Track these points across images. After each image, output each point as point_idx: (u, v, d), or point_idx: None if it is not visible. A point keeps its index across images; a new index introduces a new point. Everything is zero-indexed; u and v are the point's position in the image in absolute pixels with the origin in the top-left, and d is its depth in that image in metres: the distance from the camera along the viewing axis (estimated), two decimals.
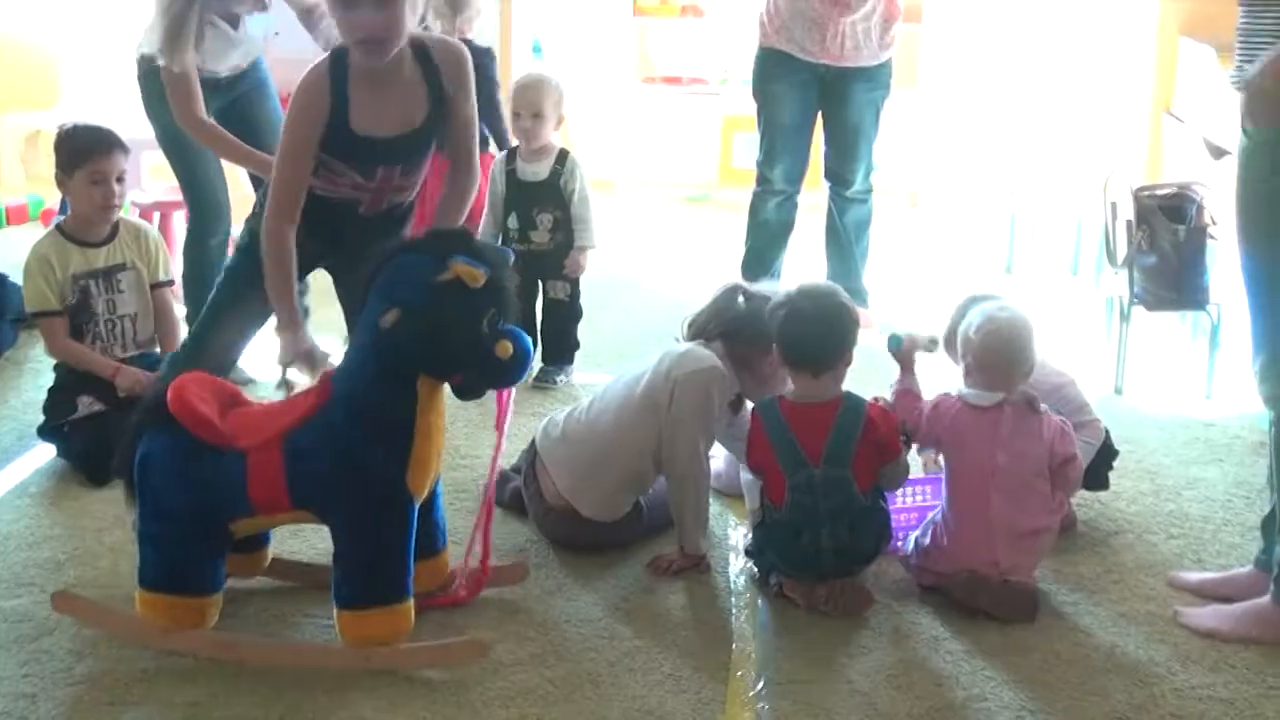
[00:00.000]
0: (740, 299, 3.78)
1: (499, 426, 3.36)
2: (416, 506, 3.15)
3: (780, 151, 5.72)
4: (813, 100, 5.66)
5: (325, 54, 3.47)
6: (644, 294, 6.35)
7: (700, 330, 3.78)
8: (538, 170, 5.02)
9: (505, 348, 3.06)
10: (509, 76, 7.21)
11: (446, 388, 3.17)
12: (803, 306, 3.49)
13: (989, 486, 3.41)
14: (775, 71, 5.64)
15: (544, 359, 5.12)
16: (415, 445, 3.10)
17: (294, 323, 3.53)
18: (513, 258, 3.26)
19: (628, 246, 7.22)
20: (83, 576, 3.55)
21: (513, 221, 5.06)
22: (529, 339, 3.18)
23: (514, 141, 5.22)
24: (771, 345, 3.57)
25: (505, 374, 3.15)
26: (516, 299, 3.18)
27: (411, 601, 3.15)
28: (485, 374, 3.14)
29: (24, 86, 9.32)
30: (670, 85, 9.13)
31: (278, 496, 3.10)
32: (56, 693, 3.02)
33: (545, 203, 5.01)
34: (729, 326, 3.73)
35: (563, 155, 5.03)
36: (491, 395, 3.33)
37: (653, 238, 7.72)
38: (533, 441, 3.87)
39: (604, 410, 3.75)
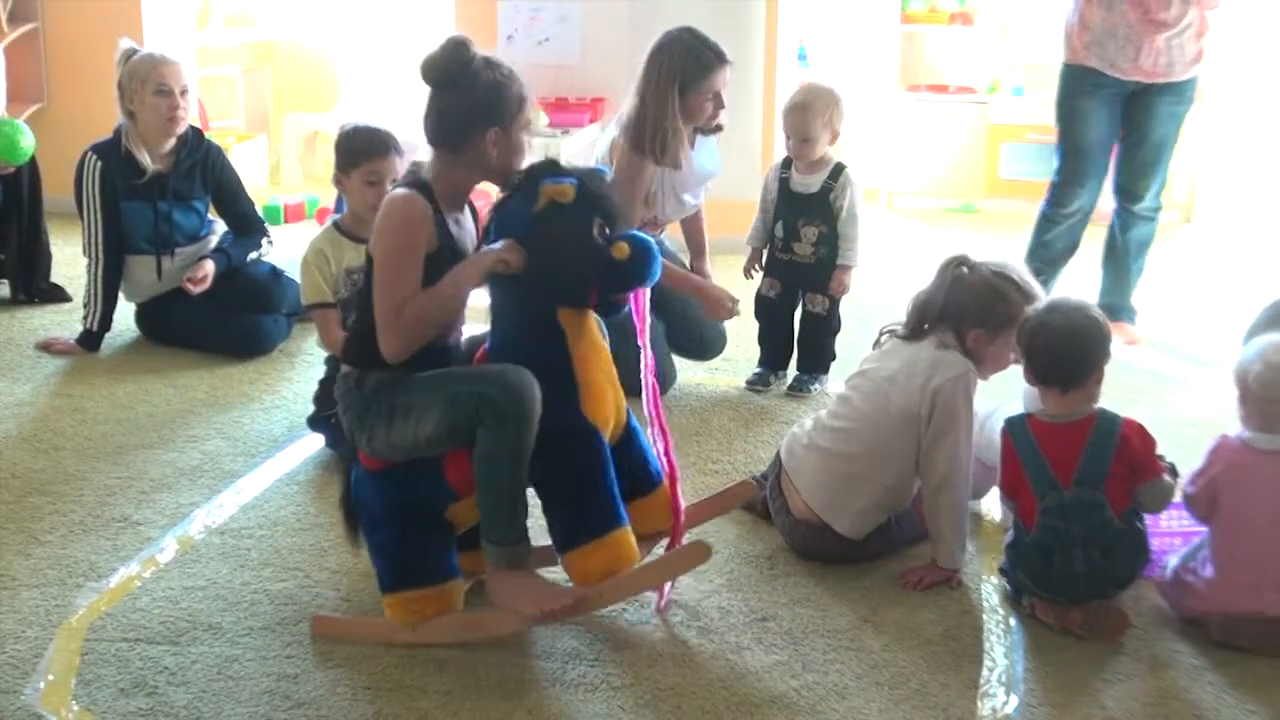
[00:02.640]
0: (964, 269, 3.67)
1: (640, 334, 3.34)
2: (604, 437, 3.19)
3: (1083, 172, 5.60)
4: (1117, 117, 5.52)
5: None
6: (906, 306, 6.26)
7: (923, 312, 3.68)
8: (810, 183, 4.98)
9: (621, 248, 3.12)
10: (773, 84, 7.21)
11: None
12: (1053, 321, 3.37)
13: (1275, 533, 3.25)
14: (1083, 89, 5.52)
15: (799, 367, 5.11)
16: (579, 378, 3.16)
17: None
18: (607, 173, 3.26)
19: (890, 257, 7.14)
20: (344, 564, 3.66)
21: (779, 230, 5.04)
22: (648, 238, 3.20)
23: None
24: (991, 323, 3.51)
25: (631, 274, 3.17)
26: (619, 207, 3.21)
27: (627, 528, 3.18)
28: (613, 280, 3.17)
29: (304, 90, 9.69)
30: (936, 94, 9.00)
31: (470, 472, 3.16)
32: (317, 675, 3.12)
33: (812, 215, 4.97)
34: (954, 305, 3.62)
35: (837, 170, 4.98)
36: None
37: (915, 248, 7.61)
38: (777, 454, 3.85)
39: (855, 427, 3.68)
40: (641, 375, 3.37)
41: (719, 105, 4.85)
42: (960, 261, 3.69)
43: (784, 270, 5.03)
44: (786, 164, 5.05)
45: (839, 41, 9.24)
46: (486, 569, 3.21)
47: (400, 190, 3.21)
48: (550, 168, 3.20)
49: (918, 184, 8.93)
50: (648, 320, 3.34)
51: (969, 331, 3.60)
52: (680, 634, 3.27)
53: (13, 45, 7.44)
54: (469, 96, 3.19)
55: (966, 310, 3.61)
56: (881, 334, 3.81)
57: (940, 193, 8.90)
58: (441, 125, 3.23)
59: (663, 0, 7.06)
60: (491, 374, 3.10)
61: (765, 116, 7.19)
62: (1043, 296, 3.61)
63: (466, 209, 3.36)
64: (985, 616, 3.43)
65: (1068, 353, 3.35)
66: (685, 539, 3.40)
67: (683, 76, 4.81)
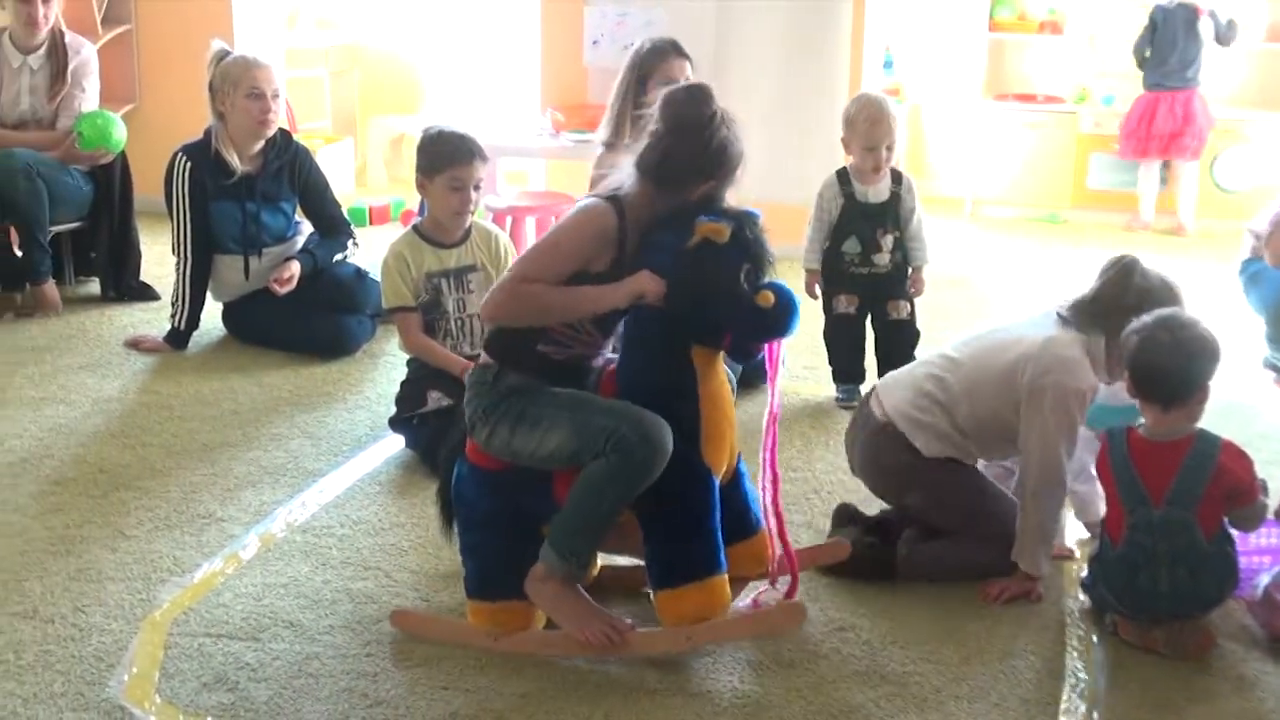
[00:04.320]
0: (1137, 278, 3.57)
1: (770, 381, 3.31)
2: (717, 481, 3.18)
3: None
4: None
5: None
6: (989, 316, 6.21)
7: (1085, 311, 3.61)
8: (879, 191, 4.94)
9: (766, 297, 3.09)
10: (858, 88, 7.17)
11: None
12: (1160, 337, 3.29)
13: None
14: None
15: (880, 377, 5.06)
16: (703, 417, 3.14)
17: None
18: (760, 216, 3.21)
19: (974, 266, 7.09)
20: (423, 565, 3.68)
21: (853, 245, 4.96)
22: (791, 290, 3.16)
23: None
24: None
25: (772, 324, 3.14)
26: (771, 254, 3.17)
27: (725, 575, 3.17)
28: (752, 328, 3.15)
29: (389, 93, 9.77)
30: (1023, 103, 8.92)
31: None
32: (395, 674, 3.14)
33: (888, 224, 4.94)
34: (1116, 309, 3.52)
35: (897, 175, 4.95)
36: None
37: (999, 258, 7.55)
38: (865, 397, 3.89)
39: (961, 359, 3.70)
40: (764, 424, 3.34)
41: None
42: (1131, 262, 3.62)
43: (863, 284, 4.97)
44: (844, 179, 4.98)
45: (925, 49, 9.19)
46: (537, 570, 3.20)
47: (603, 204, 3.20)
48: (707, 205, 3.17)
49: (1003, 193, 8.86)
50: (780, 369, 3.30)
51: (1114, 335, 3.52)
52: (758, 642, 3.26)
53: (107, 46, 7.55)
54: (700, 148, 3.16)
55: (1127, 309, 3.49)
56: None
57: (1025, 202, 8.83)
58: (663, 164, 3.17)
59: (748, 7, 7.07)
60: (631, 415, 3.07)
61: None
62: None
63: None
64: (1067, 632, 3.39)
65: (1173, 371, 3.27)
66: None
67: (641, 66, 4.87)
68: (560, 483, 3.16)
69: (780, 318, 3.12)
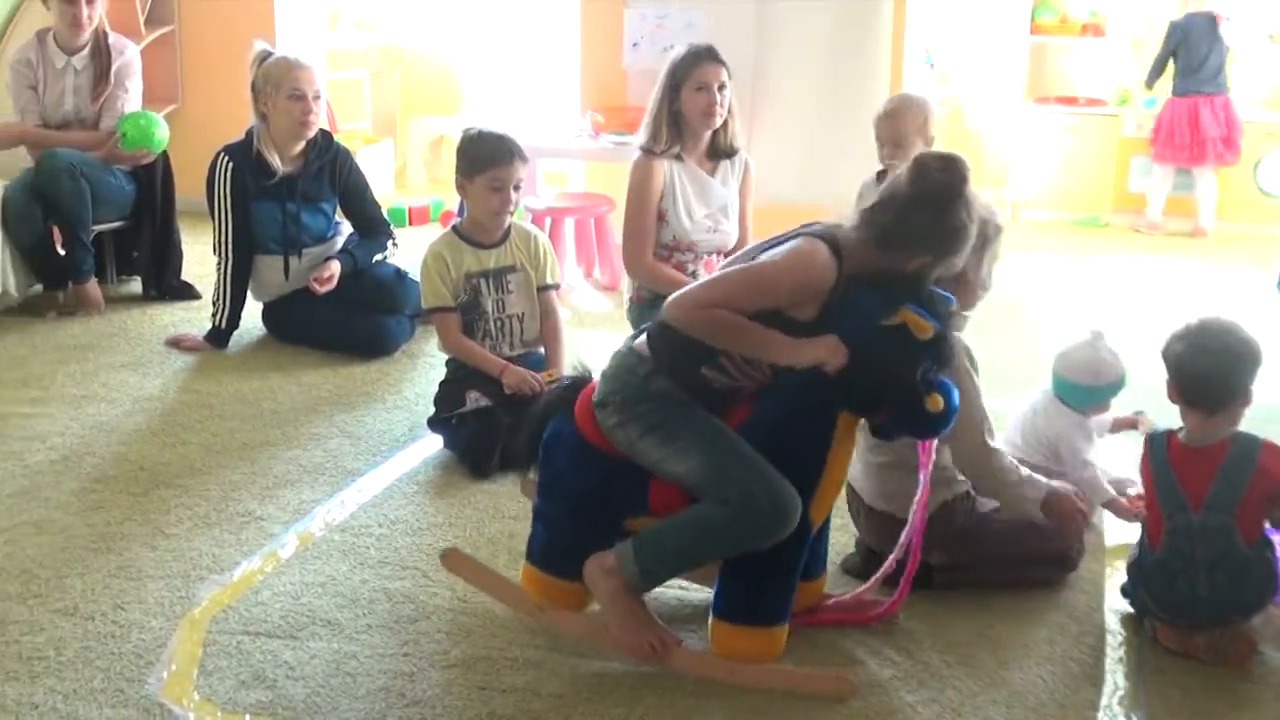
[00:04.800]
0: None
1: (923, 468, 3.28)
2: (812, 535, 3.15)
3: None
4: None
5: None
6: (1028, 319, 6.20)
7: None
8: None
9: (936, 401, 3.02)
10: (899, 89, 7.15)
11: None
12: (1205, 343, 3.25)
13: None
14: None
15: None
16: (824, 478, 3.10)
17: None
18: (953, 304, 3.13)
19: (1013, 269, 7.05)
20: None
21: None
22: (957, 397, 3.09)
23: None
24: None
25: (929, 427, 3.10)
26: (956, 355, 3.11)
27: (786, 627, 3.16)
28: (909, 421, 3.10)
29: (429, 95, 9.80)
30: (1065, 105, 8.88)
31: (677, 506, 3.13)
32: (432, 674, 3.15)
33: None
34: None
35: None
36: None
37: (1040, 261, 7.52)
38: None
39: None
40: (913, 514, 3.32)
41: (710, 99, 4.79)
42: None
43: None
44: (882, 179, 4.96)
45: (966, 51, 9.16)
46: (607, 561, 3.16)
47: (827, 254, 3.04)
48: (917, 291, 3.05)
49: (1044, 196, 8.82)
50: (932, 459, 3.28)
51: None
52: (797, 644, 3.25)
53: (150, 47, 7.60)
54: (939, 224, 3.05)
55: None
56: None
57: (1067, 205, 8.79)
58: (897, 225, 3.04)
59: (788, 8, 7.06)
60: (769, 478, 3.00)
61: None
62: None
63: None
64: (1106, 637, 3.37)
65: (1219, 378, 3.24)
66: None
67: (675, 72, 4.82)
68: (658, 488, 3.14)
69: (939, 423, 3.08)
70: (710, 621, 3.19)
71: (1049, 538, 3.54)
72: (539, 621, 3.25)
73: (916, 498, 3.30)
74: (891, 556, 3.35)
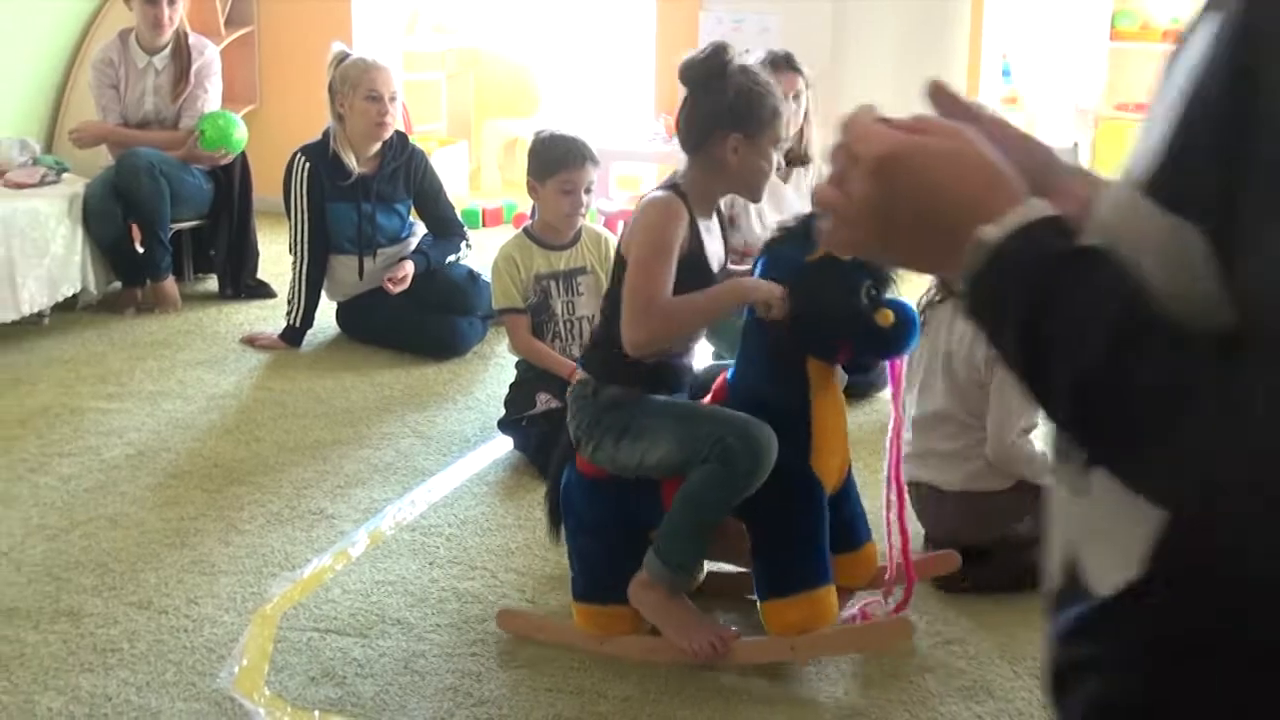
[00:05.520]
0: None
1: (894, 397, 3.30)
2: (826, 493, 3.16)
3: None
4: None
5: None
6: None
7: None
8: None
9: (885, 315, 3.05)
10: (975, 96, 7.11)
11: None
12: None
13: None
14: None
15: None
16: (814, 430, 3.12)
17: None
18: None
19: None
20: (530, 566, 3.70)
21: None
22: (911, 307, 3.14)
23: None
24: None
25: (890, 342, 3.12)
26: (893, 272, 3.12)
27: (832, 587, 3.16)
28: (870, 344, 3.14)
29: (504, 97, 9.83)
30: (1145, 114, 8.78)
31: None
32: (500, 674, 3.16)
33: None
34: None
35: None
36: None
37: None
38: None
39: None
40: (888, 440, 3.32)
41: (785, 109, 4.75)
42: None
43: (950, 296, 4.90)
44: None
45: (1045, 57, 9.07)
46: (641, 578, 3.19)
47: (659, 192, 3.21)
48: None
49: None
50: (903, 385, 3.29)
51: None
52: (864, 653, 3.23)
53: (230, 48, 7.68)
54: (718, 99, 3.15)
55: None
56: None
57: None
58: (689, 127, 3.22)
59: (864, 12, 7.04)
60: (736, 421, 3.06)
61: None
62: None
63: (715, 217, 3.33)
64: None
65: None
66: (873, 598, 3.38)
67: None
68: (668, 490, 3.16)
69: (898, 336, 3.09)
70: (759, 607, 3.19)
71: None
72: (603, 653, 3.25)
73: (889, 429, 3.30)
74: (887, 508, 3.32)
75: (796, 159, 4.94)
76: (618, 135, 7.43)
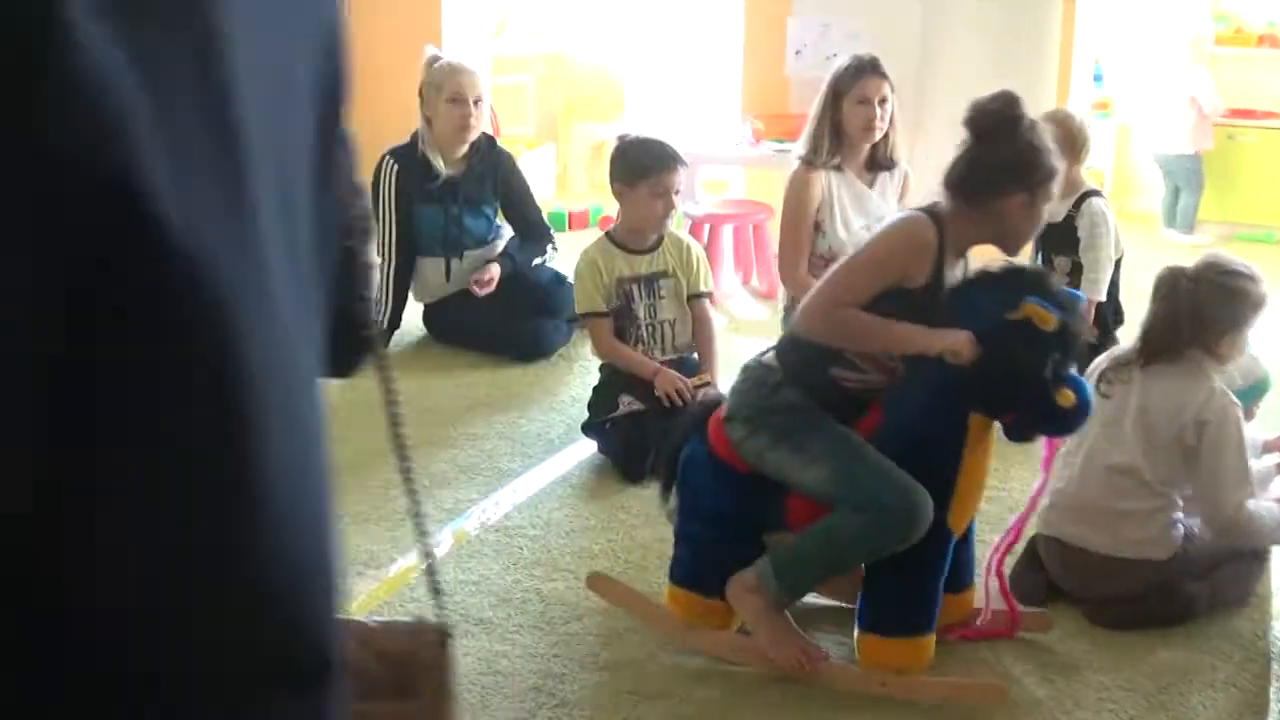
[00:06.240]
0: (1186, 282, 3.42)
1: (1045, 467, 3.25)
2: (954, 542, 3.12)
3: None
4: None
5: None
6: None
7: (1159, 336, 3.47)
8: (1056, 211, 4.67)
9: (1067, 396, 2.96)
10: (1066, 102, 7.04)
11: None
12: None
13: None
14: None
15: None
16: (959, 482, 3.06)
17: None
18: (1082, 300, 3.11)
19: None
20: (611, 568, 3.70)
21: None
22: (1090, 391, 3.04)
23: None
24: (1239, 323, 3.37)
25: (1063, 422, 3.05)
26: (1083, 349, 3.06)
27: (934, 636, 3.12)
28: (1041, 420, 3.06)
29: (591, 101, 9.86)
30: (1240, 118, 8.66)
31: (815, 518, 3.11)
32: (582, 676, 3.17)
33: (1061, 246, 4.78)
34: (1196, 319, 3.41)
35: (1081, 197, 4.79)
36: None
37: None
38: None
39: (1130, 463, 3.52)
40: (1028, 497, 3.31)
41: (871, 114, 4.74)
42: (1178, 275, 3.46)
43: None
44: None
45: (1137, 62, 8.97)
46: (748, 579, 3.16)
47: (919, 214, 3.11)
48: (1039, 284, 3.03)
49: (1217, 210, 8.61)
50: (1054, 465, 3.21)
51: (1219, 340, 3.42)
52: (951, 660, 3.21)
53: None
54: (1010, 156, 3.05)
55: (1211, 320, 3.40)
56: (1103, 373, 3.55)
57: (1242, 219, 8.56)
58: (972, 174, 3.07)
59: (954, 17, 6.98)
60: (901, 483, 2.98)
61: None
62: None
63: (962, 263, 3.20)
64: (1271, 665, 3.27)
65: None
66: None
67: (838, 84, 4.77)
68: (795, 502, 3.13)
69: (1072, 420, 3.03)
70: (856, 635, 3.16)
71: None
72: (687, 643, 3.24)
73: (1034, 486, 3.26)
74: (992, 551, 3.30)
75: (882, 164, 4.92)
76: (704, 138, 7.43)
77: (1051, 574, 3.57)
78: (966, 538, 3.26)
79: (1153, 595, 3.40)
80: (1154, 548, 3.41)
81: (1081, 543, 3.47)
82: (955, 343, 2.95)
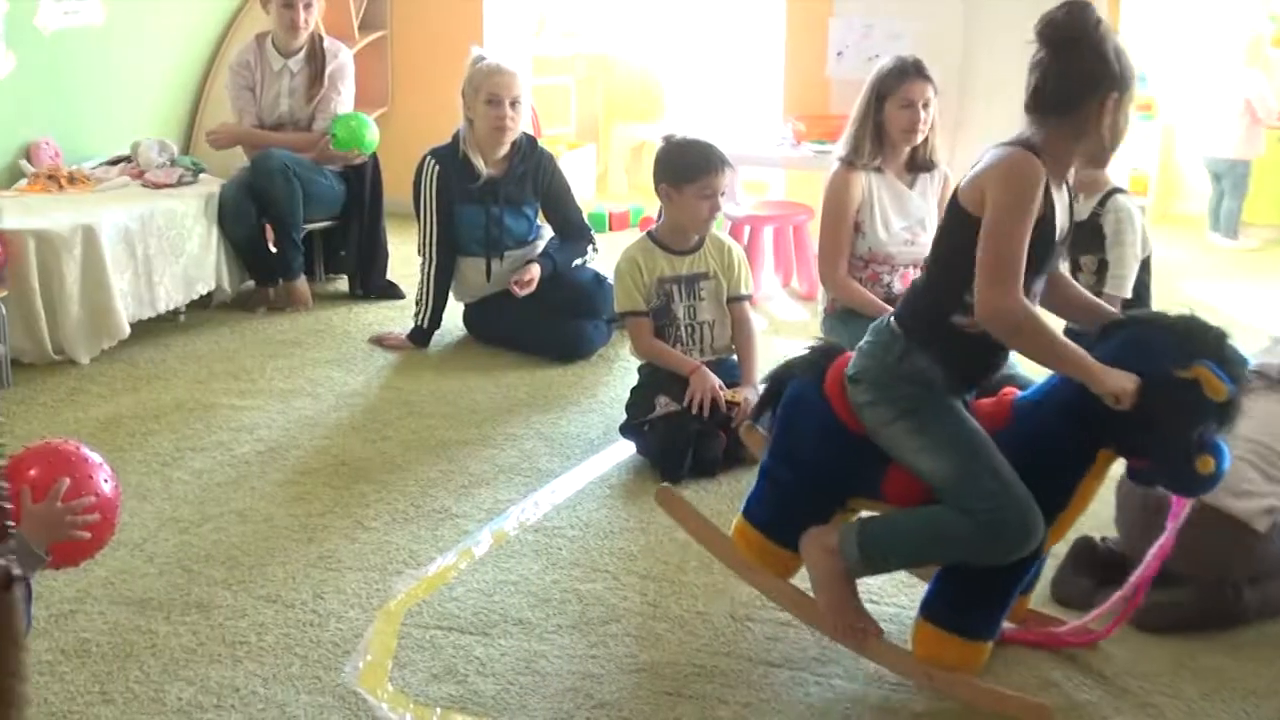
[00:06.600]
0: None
1: (1172, 520, 3.12)
2: (1044, 559, 3.10)
3: None
4: None
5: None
6: None
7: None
8: (1081, 210, 4.63)
9: (1206, 463, 2.89)
10: None
11: None
12: None
13: None
14: None
15: None
16: (1069, 507, 3.03)
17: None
18: (1250, 366, 3.02)
19: (1227, 291, 6.85)
20: (652, 569, 3.70)
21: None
22: (1227, 464, 2.95)
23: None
24: None
25: (1194, 487, 2.98)
26: (1238, 419, 2.94)
27: (990, 645, 3.10)
28: (1172, 479, 3.00)
29: (632, 101, 9.86)
30: None
31: (912, 496, 3.07)
32: (619, 677, 3.17)
33: (1086, 245, 4.75)
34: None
35: (1106, 195, 4.76)
36: None
37: (1261, 282, 7.28)
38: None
39: None
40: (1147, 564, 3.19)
41: (914, 117, 4.72)
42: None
43: None
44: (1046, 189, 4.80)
45: (1181, 63, 8.90)
46: (828, 540, 3.11)
47: (1019, 151, 2.98)
48: (1218, 349, 2.92)
49: (1266, 213, 8.54)
50: (1184, 514, 3.11)
51: None
52: (993, 659, 3.19)
53: (363, 51, 7.78)
54: (1094, 57, 2.95)
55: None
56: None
57: None
58: (1059, 87, 2.97)
59: (997, 18, 6.95)
60: (1021, 498, 2.91)
61: None
62: None
63: (1065, 187, 3.10)
64: None
65: None
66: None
67: (881, 86, 4.75)
68: (895, 474, 3.08)
69: (1204, 486, 2.96)
70: (917, 620, 3.15)
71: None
72: (744, 578, 3.23)
73: (1158, 543, 3.14)
74: (1118, 594, 3.22)
75: (922, 166, 4.90)
76: (745, 139, 7.42)
77: (1123, 531, 3.54)
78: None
79: (1204, 597, 3.37)
80: (1256, 517, 3.35)
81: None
82: (1121, 389, 2.87)
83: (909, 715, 3.02)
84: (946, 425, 3.00)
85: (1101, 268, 4.73)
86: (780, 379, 3.27)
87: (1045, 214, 2.96)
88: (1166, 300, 4.81)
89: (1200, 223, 8.63)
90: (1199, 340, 2.92)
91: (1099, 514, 3.84)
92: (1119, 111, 2.98)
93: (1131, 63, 3.00)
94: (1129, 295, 4.74)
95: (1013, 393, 3.14)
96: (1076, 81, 2.96)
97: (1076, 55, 2.96)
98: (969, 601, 3.07)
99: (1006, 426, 3.04)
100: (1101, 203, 4.72)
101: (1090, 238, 4.72)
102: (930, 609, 3.11)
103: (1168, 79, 8.94)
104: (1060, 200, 3.04)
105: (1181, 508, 3.11)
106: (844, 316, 4.68)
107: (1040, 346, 2.95)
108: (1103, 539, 3.62)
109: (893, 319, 3.13)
